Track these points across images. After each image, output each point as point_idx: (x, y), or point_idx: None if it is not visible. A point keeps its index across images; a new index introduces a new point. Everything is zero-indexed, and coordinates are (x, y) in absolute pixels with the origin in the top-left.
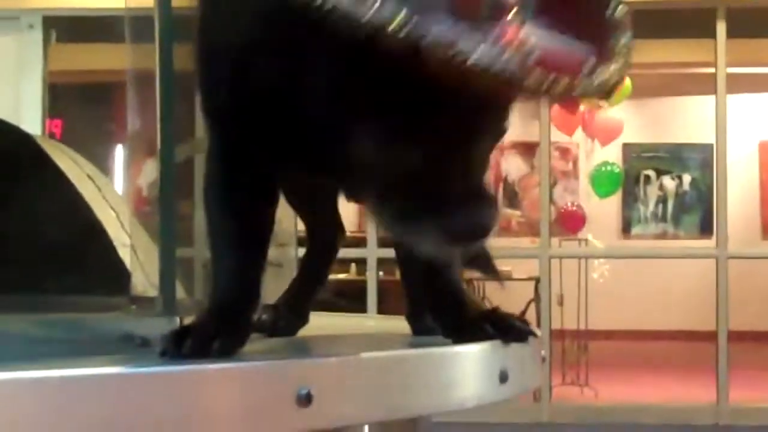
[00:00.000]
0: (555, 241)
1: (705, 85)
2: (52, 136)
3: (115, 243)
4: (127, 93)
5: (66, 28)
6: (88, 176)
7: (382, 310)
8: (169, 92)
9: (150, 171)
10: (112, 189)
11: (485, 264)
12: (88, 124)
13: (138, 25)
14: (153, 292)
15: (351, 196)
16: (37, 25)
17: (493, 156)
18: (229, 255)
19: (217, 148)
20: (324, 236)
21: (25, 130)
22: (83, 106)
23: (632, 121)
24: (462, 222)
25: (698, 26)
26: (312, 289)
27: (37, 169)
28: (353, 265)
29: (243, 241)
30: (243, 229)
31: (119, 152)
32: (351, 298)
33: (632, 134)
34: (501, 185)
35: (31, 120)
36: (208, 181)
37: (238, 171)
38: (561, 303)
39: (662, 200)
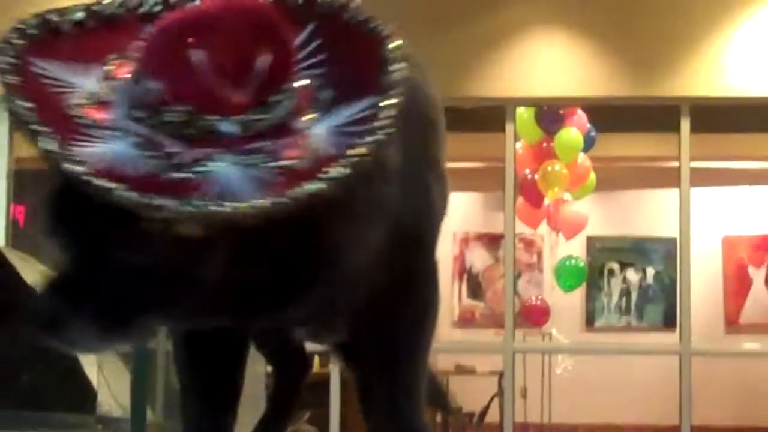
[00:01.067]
0: (519, 333)
1: (669, 178)
2: (15, 223)
3: (82, 361)
4: None
5: None
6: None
7: (345, 402)
8: None
9: None
10: None
11: (442, 402)
12: None
13: None
14: (119, 411)
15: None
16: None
17: (458, 246)
18: (197, 417)
19: None
20: (289, 373)
21: None
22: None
23: (596, 213)
24: None
25: (663, 121)
26: (280, 426)
27: (3, 283)
28: (316, 357)
29: (210, 402)
30: (208, 387)
31: None
32: (314, 392)
33: (596, 227)
34: (465, 276)
35: None
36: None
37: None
38: (524, 396)
39: (626, 293)
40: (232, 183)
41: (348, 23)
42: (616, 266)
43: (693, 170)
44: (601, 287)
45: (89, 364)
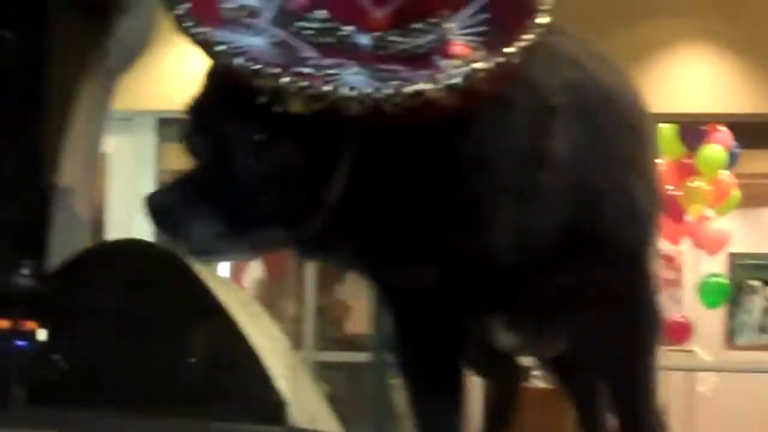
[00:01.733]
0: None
1: None
2: None
3: (270, 372)
4: None
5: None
6: (243, 303)
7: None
8: None
9: (254, 269)
10: (267, 318)
11: None
12: None
13: None
14: (308, 423)
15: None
16: (152, 126)
17: None
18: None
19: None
20: (503, 387)
21: (181, 257)
22: None
23: (738, 230)
24: None
25: None
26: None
27: (192, 296)
28: None
29: (436, 403)
30: (431, 389)
31: None
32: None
33: (738, 244)
34: None
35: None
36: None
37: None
38: (666, 413)
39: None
40: (357, 87)
41: None
42: (757, 284)
43: None
44: (742, 304)
45: (279, 375)
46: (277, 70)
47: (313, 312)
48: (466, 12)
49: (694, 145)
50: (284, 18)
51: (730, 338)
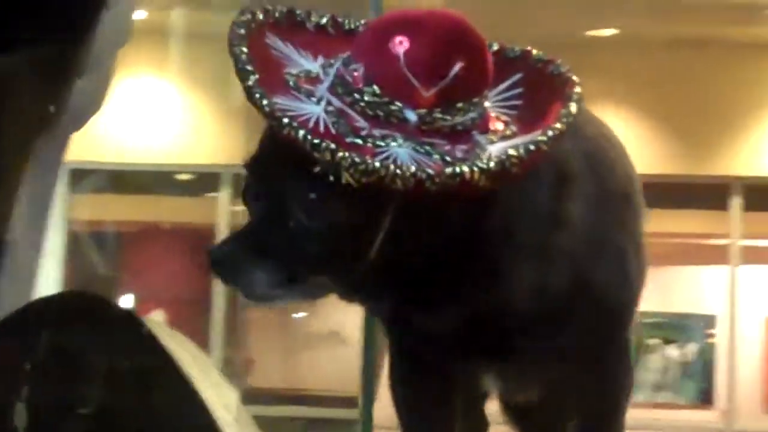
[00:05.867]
0: None
1: (716, 255)
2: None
3: (219, 421)
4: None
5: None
6: (193, 356)
7: None
8: None
9: (157, 317)
10: (214, 369)
11: None
12: (96, 271)
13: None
14: None
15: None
16: (63, 178)
17: None
18: None
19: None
20: (473, 425)
21: (127, 309)
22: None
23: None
24: None
25: (713, 199)
26: None
27: (143, 350)
28: None
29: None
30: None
31: (128, 301)
32: None
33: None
34: None
35: (52, 268)
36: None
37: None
38: None
39: (665, 369)
40: (404, 159)
41: (551, 75)
42: (657, 342)
43: (744, 248)
44: (641, 363)
45: (226, 425)
46: (334, 146)
47: (218, 364)
48: (502, 86)
49: None
50: (340, 87)
51: None
